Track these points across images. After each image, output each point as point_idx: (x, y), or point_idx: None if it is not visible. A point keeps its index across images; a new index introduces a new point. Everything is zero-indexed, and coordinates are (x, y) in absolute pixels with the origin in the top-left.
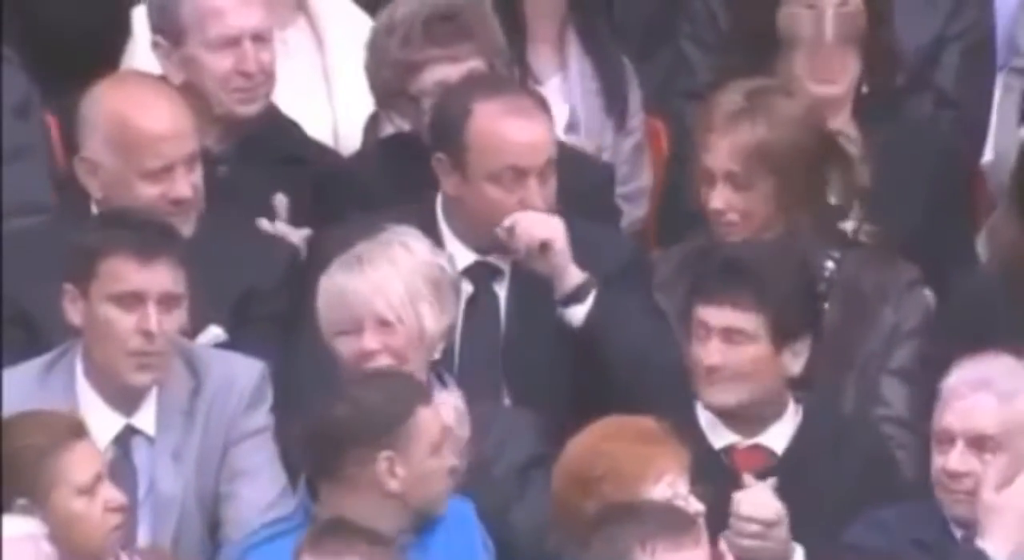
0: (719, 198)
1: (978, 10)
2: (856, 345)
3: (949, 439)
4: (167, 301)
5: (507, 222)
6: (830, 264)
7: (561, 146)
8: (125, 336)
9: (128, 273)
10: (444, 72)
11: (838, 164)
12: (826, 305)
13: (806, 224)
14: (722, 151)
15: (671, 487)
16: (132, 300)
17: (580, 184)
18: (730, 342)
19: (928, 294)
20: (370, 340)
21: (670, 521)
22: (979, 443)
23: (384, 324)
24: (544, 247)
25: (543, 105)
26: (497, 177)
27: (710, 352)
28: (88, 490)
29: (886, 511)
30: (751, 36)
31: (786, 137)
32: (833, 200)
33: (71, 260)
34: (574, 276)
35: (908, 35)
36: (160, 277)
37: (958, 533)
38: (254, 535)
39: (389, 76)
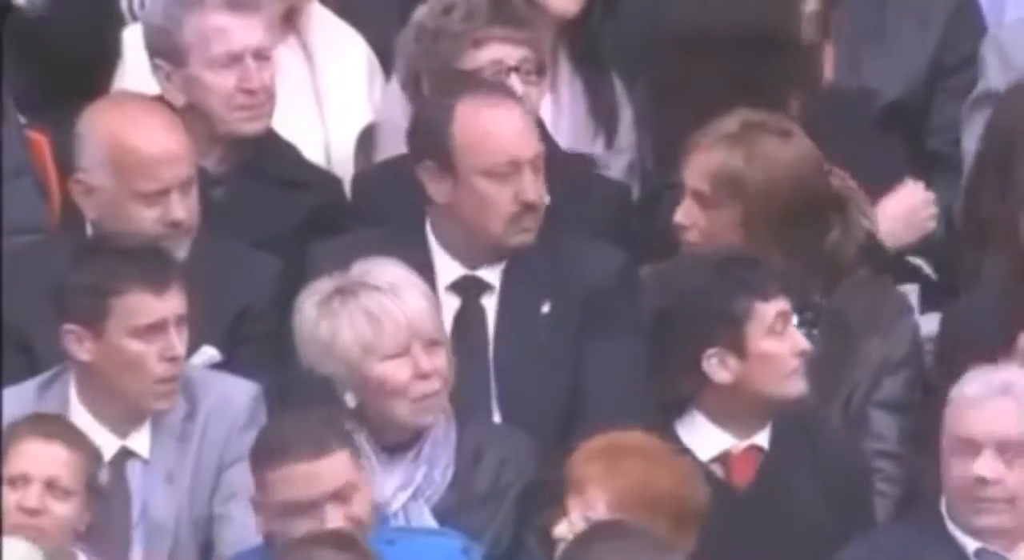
0: (683, 213)
1: (971, 42)
2: (841, 376)
3: (972, 448)
4: (181, 323)
5: None
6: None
7: (574, 167)
8: (152, 366)
9: (148, 306)
10: (502, 51)
11: (837, 215)
12: (814, 333)
13: (781, 260)
14: (696, 168)
15: None
16: (154, 330)
17: (595, 204)
18: None
19: (917, 322)
20: (425, 362)
21: None
22: (1004, 449)
23: (434, 344)
24: None
25: (520, 100)
26: (490, 172)
27: None
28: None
29: (880, 532)
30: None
31: (761, 173)
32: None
33: (75, 301)
34: None
35: (901, 54)
36: (174, 302)
37: (971, 547)
38: None
39: (448, 49)
